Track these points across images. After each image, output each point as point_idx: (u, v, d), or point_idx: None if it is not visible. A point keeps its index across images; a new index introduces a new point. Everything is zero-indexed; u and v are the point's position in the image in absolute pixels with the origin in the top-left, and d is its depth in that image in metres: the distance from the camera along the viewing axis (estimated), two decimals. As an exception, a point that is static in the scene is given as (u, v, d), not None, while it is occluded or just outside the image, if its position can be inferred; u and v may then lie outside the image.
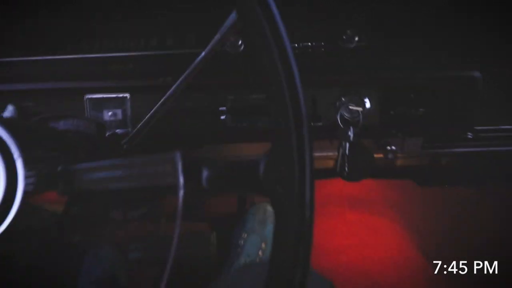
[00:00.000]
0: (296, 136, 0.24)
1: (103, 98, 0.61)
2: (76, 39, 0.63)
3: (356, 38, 0.60)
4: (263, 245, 1.03)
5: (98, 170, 0.32)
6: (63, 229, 0.42)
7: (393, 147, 0.76)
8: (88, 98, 0.60)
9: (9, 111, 0.58)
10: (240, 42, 0.61)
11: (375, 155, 0.72)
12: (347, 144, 0.60)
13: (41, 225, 0.34)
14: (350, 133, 0.59)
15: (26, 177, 0.30)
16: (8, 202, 0.29)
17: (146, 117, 0.51)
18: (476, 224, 1.13)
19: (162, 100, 0.49)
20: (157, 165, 0.30)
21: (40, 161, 0.32)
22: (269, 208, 1.11)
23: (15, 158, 0.30)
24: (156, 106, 0.49)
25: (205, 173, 0.29)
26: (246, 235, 1.05)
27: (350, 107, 0.59)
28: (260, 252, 1.02)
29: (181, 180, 0.28)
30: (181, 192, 0.28)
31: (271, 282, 0.24)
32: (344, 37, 0.61)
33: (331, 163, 1.24)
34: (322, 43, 0.63)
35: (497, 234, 1.10)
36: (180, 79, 0.48)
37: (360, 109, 0.59)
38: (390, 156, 0.80)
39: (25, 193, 0.30)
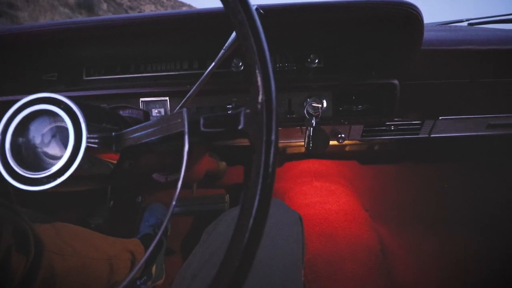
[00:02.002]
0: (264, 89, 0.23)
1: (151, 100, 0.63)
2: (137, 64, 0.66)
3: (316, 60, 0.62)
4: None
5: (136, 131, 0.33)
6: (118, 178, 0.39)
7: (342, 135, 0.80)
8: (142, 101, 0.64)
9: None
10: (240, 63, 0.63)
11: (331, 142, 0.76)
12: (311, 129, 0.62)
13: (100, 173, 0.34)
14: (313, 122, 0.61)
15: (89, 138, 0.30)
16: (75, 152, 0.30)
17: (177, 107, 0.52)
18: (395, 189, 1.18)
19: (188, 96, 0.51)
20: (172, 119, 0.29)
21: (97, 128, 0.32)
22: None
23: (81, 123, 0.31)
24: (184, 100, 0.51)
25: (201, 121, 0.28)
26: (242, 202, 1.09)
27: (313, 104, 0.61)
28: None
29: (187, 126, 0.28)
30: (186, 136, 0.27)
31: (245, 199, 0.23)
32: (308, 60, 0.63)
33: (302, 149, 1.30)
34: (294, 64, 0.65)
35: (408, 192, 1.17)
36: (196, 84, 0.50)
37: (320, 105, 0.61)
38: (340, 141, 0.81)
39: (88, 148, 0.30)
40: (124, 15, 0.54)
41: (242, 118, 0.25)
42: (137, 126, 0.32)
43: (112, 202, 1.16)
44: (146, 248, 0.91)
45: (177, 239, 1.12)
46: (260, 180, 0.22)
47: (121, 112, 0.50)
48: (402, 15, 0.48)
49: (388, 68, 0.61)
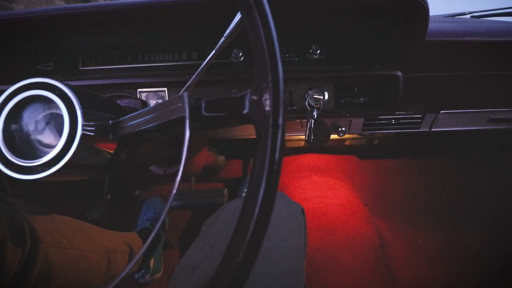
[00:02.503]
0: (271, 73, 0.22)
1: (149, 91, 0.62)
2: (134, 54, 0.65)
3: (318, 52, 0.61)
4: None
5: (134, 118, 0.31)
6: (115, 168, 0.38)
7: (343, 128, 0.77)
8: (140, 91, 0.62)
9: None
10: (240, 54, 0.62)
11: (332, 135, 0.76)
12: (312, 121, 0.61)
13: (97, 162, 0.33)
14: (315, 113, 0.60)
15: (85, 125, 0.29)
16: (70, 140, 0.29)
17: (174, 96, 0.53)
18: (394, 183, 1.18)
19: (187, 85, 0.49)
20: (172, 104, 0.28)
21: (95, 117, 0.31)
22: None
23: (76, 109, 0.29)
24: (181, 92, 0.48)
25: (203, 105, 0.27)
26: (247, 190, 1.10)
27: (315, 96, 0.60)
28: None
29: (187, 111, 0.26)
30: (187, 121, 0.26)
31: (250, 187, 0.22)
32: (310, 50, 0.62)
33: (301, 143, 1.29)
34: (295, 55, 0.63)
35: (408, 187, 1.17)
36: (196, 72, 0.48)
37: (321, 97, 0.60)
38: (341, 134, 0.80)
39: (84, 136, 0.29)
40: (119, 1, 0.52)
41: (247, 102, 0.24)
42: (135, 113, 0.31)
43: (109, 195, 1.15)
44: (144, 242, 0.90)
45: (175, 233, 1.12)
46: (266, 166, 0.20)
47: (118, 102, 0.49)
48: (408, 3, 0.47)
49: (391, 60, 0.60)
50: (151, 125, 0.29)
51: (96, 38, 0.61)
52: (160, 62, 0.65)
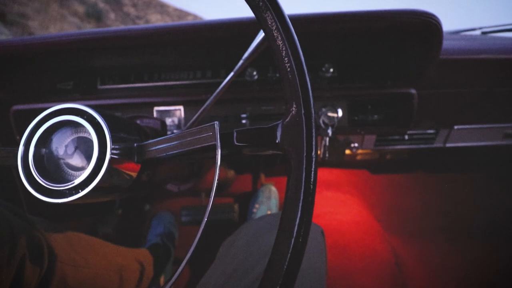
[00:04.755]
0: (304, 105, 0.23)
1: (165, 109, 0.64)
2: (150, 73, 0.67)
3: (331, 70, 0.62)
4: (268, 212, 1.05)
5: (161, 143, 0.31)
6: (136, 189, 0.38)
7: (356, 144, 0.78)
8: (156, 110, 0.64)
9: None
10: (255, 72, 0.63)
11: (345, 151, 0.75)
12: (327, 139, 0.63)
13: (121, 184, 0.33)
14: (329, 131, 0.60)
15: (113, 149, 0.30)
16: (99, 164, 0.29)
17: (194, 118, 0.52)
18: (407, 199, 1.15)
19: (204, 106, 0.50)
20: (202, 132, 0.28)
21: (121, 140, 0.32)
22: (273, 188, 1.15)
23: (106, 135, 0.30)
24: (200, 111, 0.50)
25: (235, 135, 0.27)
26: (258, 205, 1.08)
27: (329, 114, 0.60)
28: None
29: (219, 140, 0.27)
30: (219, 150, 0.26)
31: (284, 217, 0.22)
32: (323, 69, 0.62)
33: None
34: (308, 73, 0.68)
35: (421, 203, 1.14)
36: (215, 92, 0.49)
37: (335, 115, 0.61)
38: (354, 150, 0.79)
39: (111, 159, 0.30)
40: (138, 26, 0.54)
41: (278, 133, 0.24)
42: (161, 138, 0.31)
43: (120, 210, 1.16)
44: (155, 259, 0.90)
45: (184, 248, 1.11)
46: (301, 198, 0.21)
47: (138, 122, 0.50)
48: (422, 25, 0.47)
49: (405, 77, 0.61)
50: (178, 151, 0.29)
51: (114, 60, 0.64)
52: (176, 81, 0.67)
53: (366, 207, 1.06)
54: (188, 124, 0.52)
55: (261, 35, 0.44)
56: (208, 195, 1.15)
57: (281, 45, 0.24)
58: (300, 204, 0.21)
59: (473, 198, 1.14)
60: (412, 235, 1.02)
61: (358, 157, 1.19)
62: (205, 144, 0.27)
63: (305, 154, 0.22)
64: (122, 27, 0.55)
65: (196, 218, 0.99)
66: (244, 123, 0.64)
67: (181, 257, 1.08)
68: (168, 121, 0.64)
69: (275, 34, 0.25)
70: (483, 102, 0.72)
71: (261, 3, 0.25)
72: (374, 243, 0.89)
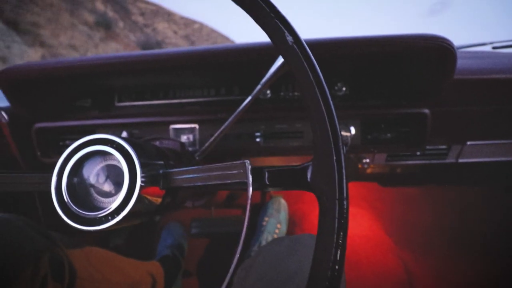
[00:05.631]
0: (335, 149, 0.24)
1: (181, 127, 0.65)
2: (166, 90, 0.68)
3: (344, 88, 0.63)
4: (278, 225, 1.07)
5: (187, 173, 0.32)
6: (160, 212, 0.38)
7: (367, 160, 0.79)
8: (172, 128, 0.65)
9: (123, 135, 0.66)
10: (268, 91, 0.65)
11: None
12: None
13: (148, 209, 0.34)
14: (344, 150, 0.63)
15: (142, 176, 0.31)
16: (130, 192, 0.30)
17: (211, 139, 0.53)
18: (418, 212, 1.13)
19: (221, 128, 0.51)
20: (232, 168, 0.29)
21: (147, 166, 0.32)
22: (282, 200, 1.15)
23: (136, 163, 0.31)
24: (217, 133, 0.51)
25: (267, 175, 0.27)
26: (267, 218, 1.09)
27: (342, 133, 0.55)
28: (276, 230, 1.06)
29: (250, 179, 0.27)
30: (250, 189, 0.27)
31: (317, 259, 0.22)
32: (336, 87, 0.63)
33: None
34: None
35: (432, 217, 1.12)
36: (234, 114, 0.50)
37: (348, 134, 0.61)
38: (365, 166, 0.81)
39: (140, 186, 0.30)
40: (156, 51, 0.56)
41: (309, 173, 0.25)
42: (188, 168, 0.32)
43: (131, 222, 1.17)
44: (165, 271, 0.90)
45: (193, 261, 1.11)
46: (334, 241, 0.21)
47: (158, 143, 0.52)
48: (436, 49, 0.48)
49: (418, 97, 0.61)
50: (205, 183, 0.30)
51: (132, 80, 0.65)
52: (190, 98, 0.68)
53: (377, 220, 1.05)
54: (206, 145, 0.53)
55: (279, 61, 0.45)
56: (219, 208, 1.16)
57: (311, 91, 0.25)
58: (334, 248, 0.21)
59: (486, 213, 1.12)
60: (424, 250, 1.01)
61: (368, 170, 1.19)
62: (235, 181, 0.28)
63: (337, 195, 0.23)
64: (142, 51, 0.57)
65: (206, 230, 1.00)
66: (258, 141, 0.65)
67: (190, 270, 1.09)
68: (183, 138, 0.65)
69: (306, 81, 0.26)
70: (495, 119, 0.72)
71: (290, 42, 0.26)
72: (386, 259, 0.88)
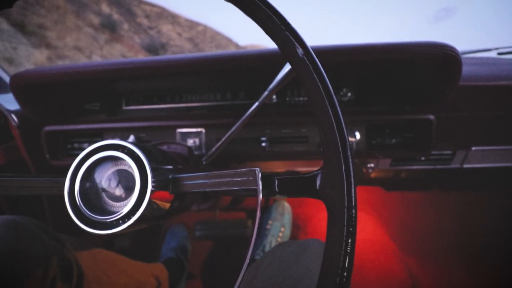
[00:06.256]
0: (343, 158, 0.24)
1: (187, 131, 0.66)
2: (173, 94, 0.69)
3: (349, 94, 0.63)
4: (282, 229, 1.07)
5: (196, 178, 0.32)
6: (169, 216, 0.39)
7: (372, 165, 0.79)
8: (178, 132, 0.66)
9: (131, 139, 0.66)
10: (274, 96, 0.65)
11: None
12: None
13: (157, 213, 0.34)
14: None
15: (152, 181, 0.31)
16: (141, 197, 0.30)
17: (218, 144, 0.53)
18: (422, 217, 1.13)
19: (229, 133, 0.51)
20: (242, 175, 0.29)
21: (157, 171, 0.32)
22: (286, 204, 1.15)
23: (147, 168, 0.31)
24: (225, 137, 0.52)
25: (276, 182, 0.28)
26: (271, 222, 1.09)
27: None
28: (280, 234, 1.06)
29: (260, 186, 0.27)
30: (260, 196, 0.27)
31: (325, 266, 0.22)
32: (341, 93, 0.64)
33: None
34: None
35: (437, 221, 1.11)
36: (241, 119, 0.50)
37: (353, 139, 0.61)
38: (370, 170, 0.82)
39: (151, 191, 0.31)
40: (165, 57, 0.57)
41: (318, 181, 0.25)
42: (198, 174, 0.32)
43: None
44: (170, 273, 0.91)
45: (197, 263, 1.12)
46: (343, 249, 0.22)
47: (165, 147, 0.52)
48: (442, 57, 0.49)
49: (423, 103, 0.62)
50: (214, 189, 0.30)
51: (140, 85, 0.67)
52: (196, 102, 0.69)
53: (381, 225, 1.05)
54: (213, 149, 0.54)
55: (286, 68, 0.46)
56: (223, 211, 1.16)
57: (321, 103, 0.26)
58: (342, 256, 0.22)
59: (490, 218, 1.11)
60: (428, 255, 1.01)
61: (373, 175, 1.19)
62: (245, 188, 0.28)
63: (346, 204, 0.23)
64: (151, 57, 0.58)
65: (210, 233, 1.00)
66: (263, 146, 0.65)
67: (193, 272, 1.10)
68: (190, 142, 0.66)
69: (316, 93, 0.26)
70: (500, 125, 0.72)
71: (300, 54, 0.27)
72: (390, 264, 0.88)
